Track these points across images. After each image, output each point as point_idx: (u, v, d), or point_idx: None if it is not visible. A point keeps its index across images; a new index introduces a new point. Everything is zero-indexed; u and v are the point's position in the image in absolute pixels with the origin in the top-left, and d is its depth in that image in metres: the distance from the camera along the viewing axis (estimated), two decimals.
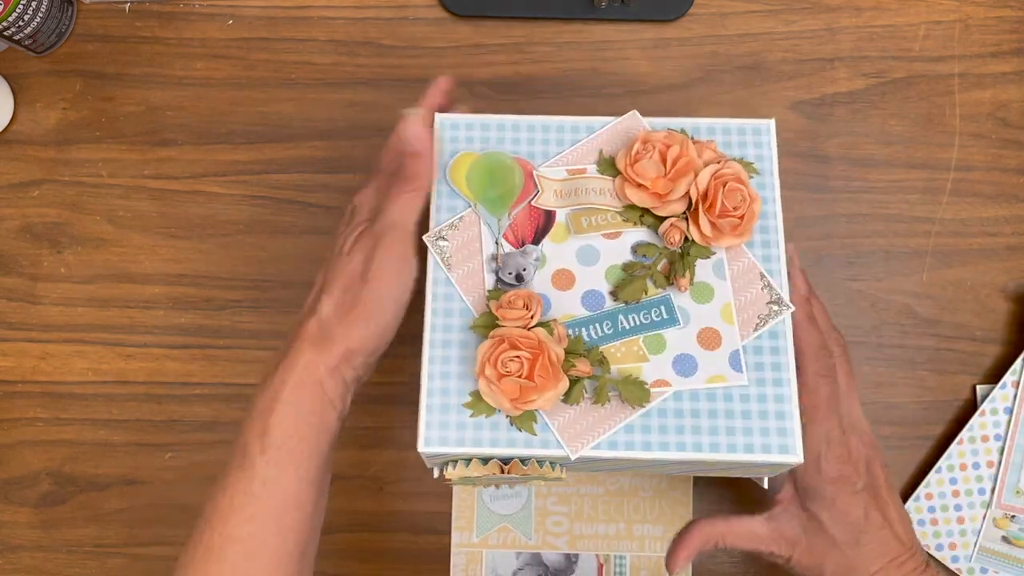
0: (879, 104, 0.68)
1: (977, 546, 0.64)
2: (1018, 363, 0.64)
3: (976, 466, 0.64)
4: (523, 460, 0.45)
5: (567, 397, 0.44)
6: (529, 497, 0.61)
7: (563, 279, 0.47)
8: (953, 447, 0.64)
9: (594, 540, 0.62)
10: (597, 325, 0.46)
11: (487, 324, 0.46)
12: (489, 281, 0.47)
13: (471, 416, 0.45)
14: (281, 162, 0.68)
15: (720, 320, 0.46)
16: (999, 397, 0.64)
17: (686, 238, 0.47)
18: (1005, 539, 0.64)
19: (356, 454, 0.67)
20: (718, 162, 0.47)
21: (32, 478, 0.67)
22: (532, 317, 0.45)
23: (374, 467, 0.67)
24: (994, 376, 0.66)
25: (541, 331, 0.44)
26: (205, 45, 0.69)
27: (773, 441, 0.44)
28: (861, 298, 0.66)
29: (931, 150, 0.68)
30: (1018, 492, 0.64)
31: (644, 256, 0.47)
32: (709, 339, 0.46)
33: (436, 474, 0.49)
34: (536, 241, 0.48)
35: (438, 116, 0.51)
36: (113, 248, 0.68)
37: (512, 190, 0.48)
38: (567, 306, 0.47)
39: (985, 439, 0.64)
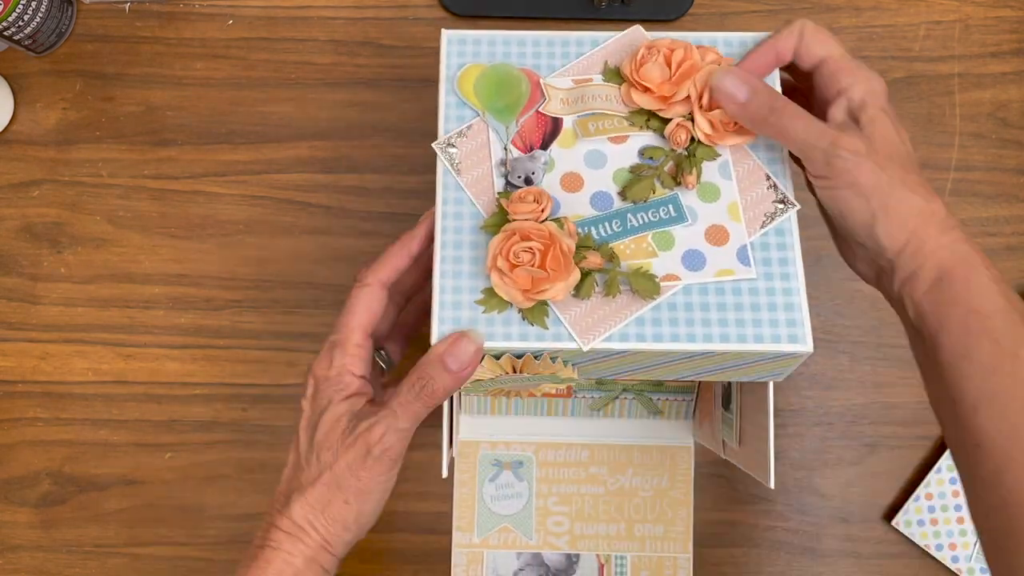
0: None
1: (977, 546, 0.64)
2: None
3: None
4: (536, 355, 0.45)
5: (578, 290, 0.44)
6: (530, 498, 0.61)
7: (572, 182, 0.47)
8: None
9: (595, 540, 0.62)
10: (606, 223, 0.46)
11: (498, 223, 0.46)
12: (499, 184, 0.47)
13: (483, 312, 0.45)
14: (281, 162, 0.68)
15: (727, 217, 0.47)
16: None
17: (692, 139, 0.48)
18: None
19: None
20: (719, 64, 0.48)
21: (32, 478, 0.67)
22: (543, 211, 0.45)
23: None
24: None
25: (552, 224, 0.44)
26: (205, 45, 0.69)
27: (782, 331, 0.45)
28: (861, 298, 0.66)
29: (931, 150, 0.68)
30: None
31: (651, 158, 0.48)
32: (717, 235, 0.46)
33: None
34: (544, 147, 0.48)
35: (444, 32, 0.50)
36: (113, 248, 0.68)
37: (519, 99, 0.49)
38: (576, 207, 0.47)
39: None
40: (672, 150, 0.48)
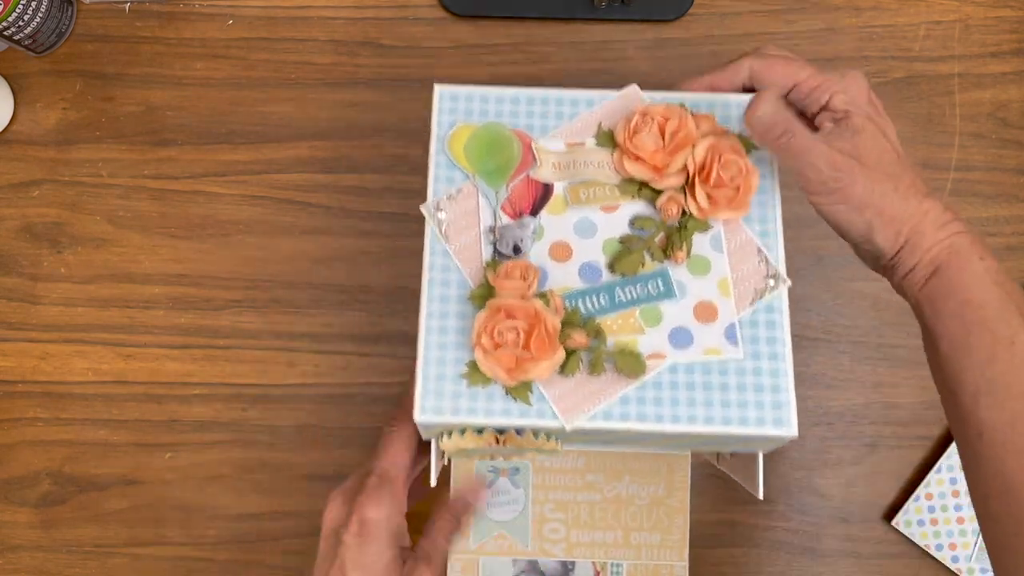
0: None
1: (977, 546, 0.64)
2: None
3: None
4: (518, 431, 0.45)
5: (563, 368, 0.44)
6: (526, 504, 0.61)
7: (560, 251, 0.47)
8: (953, 447, 0.64)
9: (591, 548, 0.61)
10: (594, 297, 0.46)
11: (484, 295, 0.46)
12: (487, 253, 0.47)
13: (468, 386, 0.45)
14: (281, 162, 0.68)
15: (717, 293, 0.46)
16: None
17: (683, 212, 0.47)
18: None
19: (356, 454, 0.67)
20: (716, 135, 0.47)
21: (32, 478, 0.67)
22: (529, 287, 0.45)
23: None
24: None
25: (538, 302, 0.44)
26: (205, 45, 0.69)
27: (768, 415, 0.44)
28: (861, 298, 0.66)
29: (931, 150, 0.68)
30: None
31: (642, 229, 0.47)
32: (705, 312, 0.46)
33: (433, 459, 0.49)
34: (534, 213, 0.48)
35: (437, 87, 0.50)
36: (113, 248, 0.68)
37: (510, 161, 0.48)
38: (564, 278, 0.46)
39: None
40: (663, 222, 0.47)
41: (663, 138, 0.47)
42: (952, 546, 0.64)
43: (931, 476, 0.64)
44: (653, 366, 0.45)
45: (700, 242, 0.47)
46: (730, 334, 0.45)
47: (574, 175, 0.48)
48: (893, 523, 0.65)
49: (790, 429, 0.44)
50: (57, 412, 0.67)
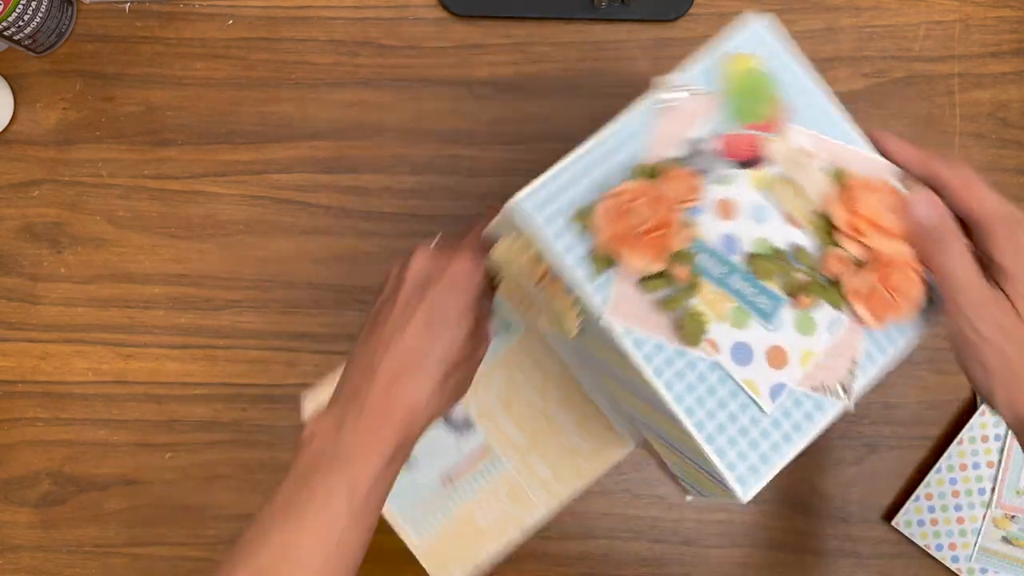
0: (879, 104, 0.68)
1: (977, 546, 0.64)
2: None
3: (976, 466, 0.64)
4: (567, 287, 0.44)
5: (645, 280, 0.44)
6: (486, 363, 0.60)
7: (725, 210, 0.46)
8: (953, 447, 0.64)
9: (496, 430, 0.63)
10: (716, 263, 0.45)
11: (647, 174, 0.45)
12: (675, 150, 0.46)
13: (569, 220, 0.44)
14: (281, 162, 0.68)
15: (797, 355, 0.46)
16: None
17: (835, 278, 0.46)
18: (1005, 539, 0.64)
19: None
20: (916, 237, 0.46)
21: (32, 478, 0.67)
22: (680, 204, 0.44)
23: None
24: None
25: (678, 216, 0.44)
26: (205, 45, 0.69)
27: (742, 468, 0.44)
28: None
29: None
30: (1018, 492, 0.64)
31: (796, 259, 0.46)
32: (775, 357, 0.45)
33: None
34: (736, 164, 0.47)
35: (751, 15, 0.48)
36: (113, 248, 0.68)
37: (758, 115, 0.47)
38: (709, 229, 0.46)
39: (985, 439, 0.64)
40: (814, 268, 0.46)
41: (890, 215, 0.46)
42: (952, 546, 0.64)
43: (931, 476, 0.64)
44: (704, 349, 0.45)
45: (823, 310, 0.46)
46: (776, 391, 0.45)
47: (790, 171, 0.47)
48: (893, 523, 0.65)
49: (744, 494, 0.44)
50: (57, 412, 0.67)
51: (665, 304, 0.44)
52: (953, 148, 0.68)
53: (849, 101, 0.68)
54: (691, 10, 0.68)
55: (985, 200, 0.45)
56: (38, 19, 0.66)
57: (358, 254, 0.68)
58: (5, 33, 0.64)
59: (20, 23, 0.64)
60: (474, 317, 0.48)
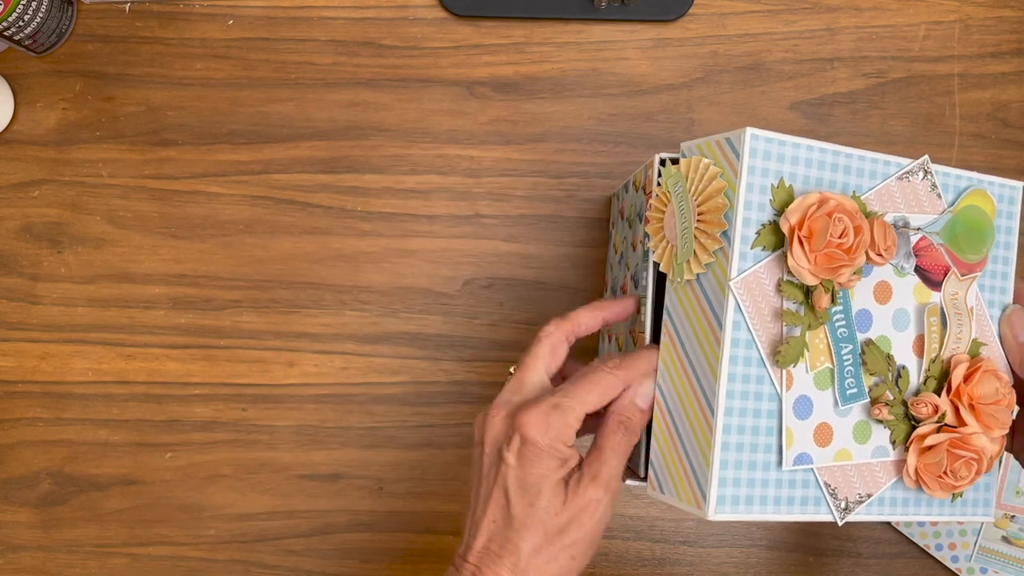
0: (879, 104, 0.68)
1: (977, 546, 0.64)
2: None
3: None
4: (719, 235, 0.44)
5: (788, 285, 0.44)
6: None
7: (882, 293, 0.47)
8: None
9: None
10: (845, 324, 0.45)
11: (862, 206, 0.45)
12: (889, 218, 0.46)
13: (776, 188, 0.44)
14: (281, 162, 0.68)
15: (837, 447, 0.46)
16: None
17: (909, 433, 0.46)
18: (1005, 539, 0.64)
19: (356, 454, 0.67)
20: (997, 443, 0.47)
21: (32, 478, 0.67)
22: (874, 252, 0.44)
23: (374, 467, 0.67)
24: None
25: (861, 261, 0.44)
26: (205, 45, 0.69)
27: (728, 490, 0.44)
28: None
29: (931, 150, 0.68)
30: (1018, 492, 0.64)
31: (898, 376, 0.46)
32: (822, 434, 0.45)
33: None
34: (918, 274, 0.47)
35: (750, 131, 0.45)
36: (113, 248, 0.68)
37: (968, 256, 0.48)
38: (856, 301, 0.46)
39: None
40: (904, 397, 0.46)
41: (985, 406, 0.46)
42: (952, 546, 0.64)
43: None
44: (780, 376, 0.44)
45: (883, 433, 0.46)
46: (802, 459, 0.45)
47: (948, 312, 0.47)
48: (893, 523, 0.65)
49: (711, 513, 0.44)
50: (57, 412, 0.67)
51: (785, 315, 0.44)
52: (953, 148, 0.68)
53: (849, 101, 0.68)
54: (691, 10, 0.68)
55: None
56: (38, 19, 0.66)
57: (358, 254, 0.68)
58: (5, 33, 0.64)
59: (20, 23, 0.64)
60: (560, 485, 0.45)
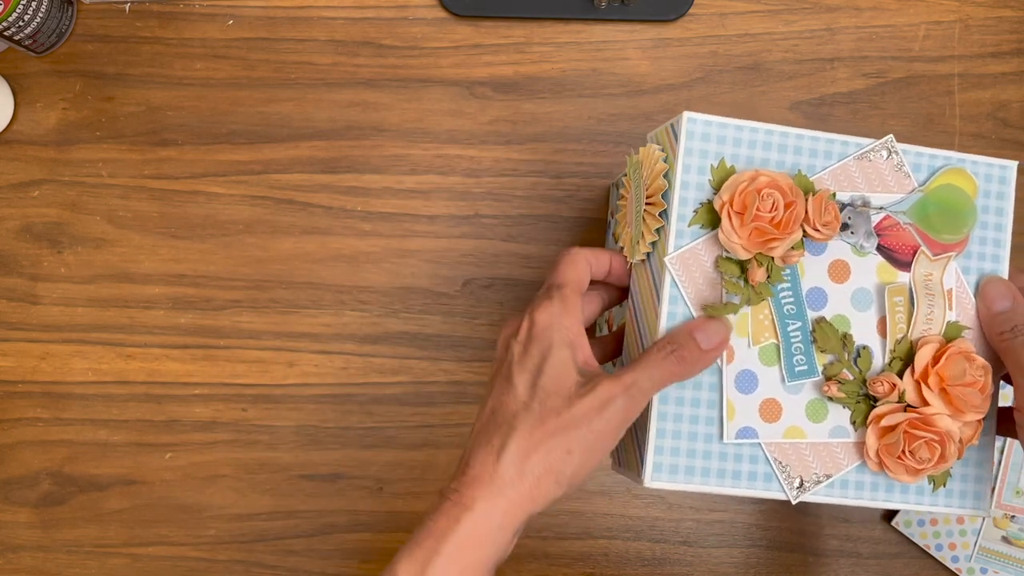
0: (879, 104, 0.68)
1: (977, 546, 0.64)
2: None
3: None
4: (660, 214, 0.46)
5: (725, 260, 0.45)
6: None
7: (838, 272, 0.46)
8: None
9: None
10: (793, 302, 0.45)
11: (804, 183, 0.46)
12: (841, 196, 0.46)
13: (713, 170, 0.45)
14: (281, 162, 0.68)
15: (786, 424, 0.46)
16: (999, 397, 0.64)
17: (870, 400, 0.46)
18: (1005, 539, 0.64)
19: (356, 454, 0.67)
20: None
21: (32, 478, 0.67)
22: (810, 229, 0.44)
23: (374, 467, 0.67)
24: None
25: (796, 237, 0.44)
26: (205, 45, 0.69)
27: (665, 459, 0.45)
28: None
29: None
30: (1018, 492, 0.64)
31: (857, 357, 0.46)
32: (768, 409, 0.46)
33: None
34: (891, 259, 0.47)
35: (687, 115, 0.46)
36: (113, 248, 0.68)
37: (952, 233, 0.47)
38: (808, 274, 0.46)
39: None
40: (864, 376, 0.46)
41: (953, 388, 0.45)
42: (952, 546, 0.64)
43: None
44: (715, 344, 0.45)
45: (842, 413, 0.46)
46: (745, 433, 0.45)
47: (918, 293, 0.47)
48: (893, 523, 0.65)
49: (648, 479, 0.45)
50: (57, 412, 0.67)
51: (725, 284, 0.45)
52: (953, 148, 0.68)
53: (849, 101, 0.68)
54: (691, 10, 0.68)
55: None
56: (38, 19, 0.66)
57: (358, 254, 0.68)
58: (5, 33, 0.64)
59: (20, 23, 0.64)
60: (571, 365, 0.44)
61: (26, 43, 0.67)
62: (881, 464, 0.46)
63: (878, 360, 0.46)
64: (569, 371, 0.43)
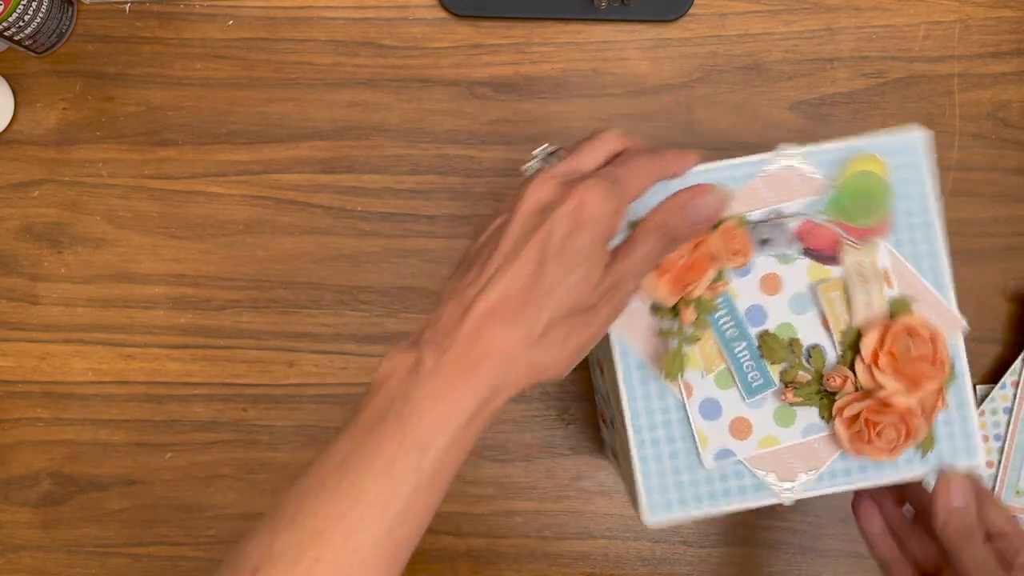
0: (879, 104, 0.68)
1: None
2: (1018, 363, 0.64)
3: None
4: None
5: (657, 308, 0.46)
6: None
7: (770, 284, 0.47)
8: None
9: None
10: (733, 325, 0.47)
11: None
12: (754, 214, 0.47)
13: (629, 224, 0.45)
14: (281, 162, 0.68)
15: (760, 435, 0.47)
16: (999, 397, 0.64)
17: (830, 408, 0.47)
18: None
19: None
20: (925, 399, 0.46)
21: (32, 478, 0.67)
22: (724, 260, 0.46)
23: None
24: (994, 376, 0.66)
25: (714, 241, 0.45)
26: (205, 45, 0.69)
27: (656, 496, 0.47)
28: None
29: None
30: (1018, 492, 0.64)
31: (809, 357, 0.47)
32: (738, 427, 0.47)
33: None
34: (812, 256, 0.47)
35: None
36: (113, 248, 0.68)
37: (869, 220, 0.47)
38: (742, 295, 0.47)
39: (985, 439, 0.64)
40: (820, 373, 0.47)
41: (906, 364, 0.46)
42: None
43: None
44: (677, 387, 0.47)
45: (810, 412, 0.47)
46: (722, 455, 0.47)
47: (851, 282, 0.47)
48: None
49: (647, 518, 0.47)
50: (57, 412, 0.67)
51: (662, 334, 0.46)
52: (953, 148, 0.68)
53: (849, 101, 0.68)
54: (691, 10, 0.68)
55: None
56: (38, 19, 0.66)
57: (358, 254, 0.68)
58: (5, 33, 0.64)
59: (20, 23, 0.64)
60: (602, 262, 0.40)
61: (26, 43, 0.67)
62: (855, 449, 0.47)
63: (831, 355, 0.47)
64: (601, 264, 0.40)
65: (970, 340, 0.66)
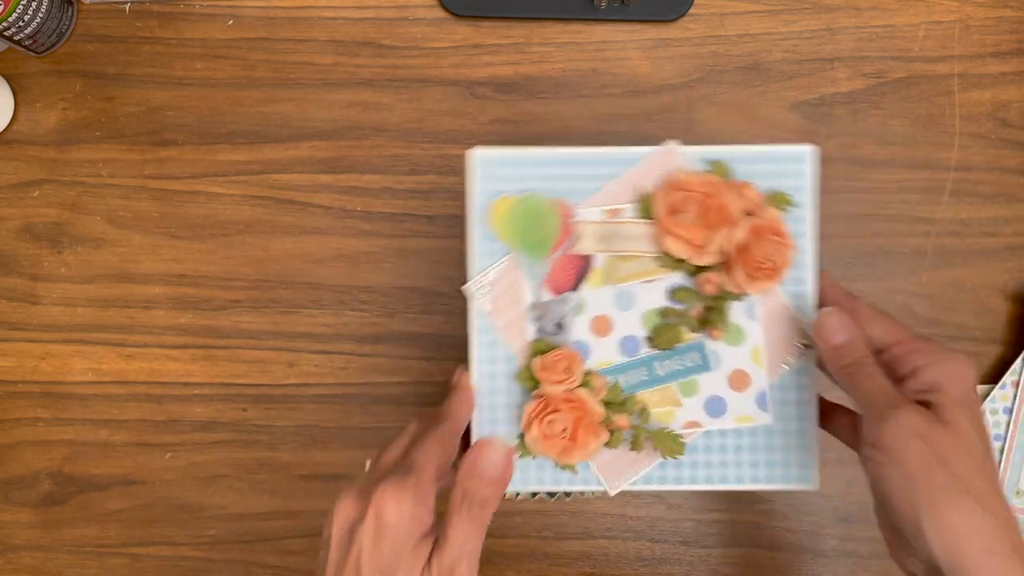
0: (879, 104, 0.68)
1: None
2: (1018, 363, 0.64)
3: None
4: (567, 493, 0.47)
5: (607, 444, 0.47)
6: None
7: (601, 325, 0.48)
8: None
9: None
10: (634, 372, 0.47)
11: (531, 377, 0.47)
12: (531, 331, 0.48)
13: (519, 457, 0.47)
14: (281, 162, 0.68)
15: (750, 361, 0.47)
16: (999, 397, 0.64)
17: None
18: None
19: (356, 454, 0.67)
20: (753, 212, 0.46)
21: (32, 478, 0.67)
22: (573, 380, 0.46)
23: None
24: (994, 376, 0.66)
25: (582, 392, 0.46)
26: (205, 45, 0.69)
27: (792, 472, 0.47)
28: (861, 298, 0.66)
29: (931, 150, 0.68)
30: (1018, 492, 0.64)
31: (680, 302, 0.47)
32: (739, 381, 0.47)
33: None
34: (575, 287, 0.48)
35: (473, 152, 0.50)
36: (113, 248, 0.68)
37: (550, 235, 0.48)
38: (605, 352, 0.47)
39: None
40: (698, 293, 0.47)
41: (702, 216, 0.46)
42: None
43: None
44: (689, 435, 0.47)
45: (736, 310, 0.47)
46: (761, 401, 0.47)
47: (614, 248, 0.48)
48: None
49: (812, 484, 0.47)
50: (57, 412, 0.67)
51: (634, 446, 0.47)
52: (953, 148, 0.68)
53: (849, 101, 0.68)
54: (691, 10, 0.68)
55: (889, 326, 0.45)
56: (38, 19, 0.66)
57: (358, 254, 0.68)
58: (5, 33, 0.64)
59: (20, 23, 0.64)
60: (419, 558, 0.41)
61: (26, 43, 0.67)
62: (766, 281, 0.46)
63: (681, 279, 0.47)
64: (418, 563, 0.41)
65: (971, 340, 0.66)
